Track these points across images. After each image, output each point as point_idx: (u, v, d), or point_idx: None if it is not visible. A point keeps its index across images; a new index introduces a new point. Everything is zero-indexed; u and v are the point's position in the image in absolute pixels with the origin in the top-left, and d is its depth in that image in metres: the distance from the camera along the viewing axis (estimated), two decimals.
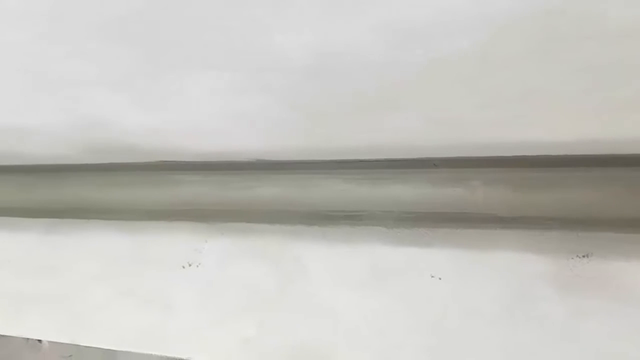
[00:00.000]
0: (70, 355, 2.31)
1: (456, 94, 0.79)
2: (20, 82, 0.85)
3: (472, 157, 1.04)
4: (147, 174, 1.25)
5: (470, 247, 1.10)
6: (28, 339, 2.26)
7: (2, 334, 1.37)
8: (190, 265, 1.27)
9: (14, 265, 1.39)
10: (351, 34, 0.64)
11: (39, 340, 2.28)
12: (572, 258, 1.04)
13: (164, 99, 0.89)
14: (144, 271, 1.29)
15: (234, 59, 0.73)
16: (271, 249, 1.21)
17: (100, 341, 1.30)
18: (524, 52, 0.65)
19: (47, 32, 0.67)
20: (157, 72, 0.79)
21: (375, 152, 1.07)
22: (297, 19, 0.62)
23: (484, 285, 1.08)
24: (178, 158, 1.19)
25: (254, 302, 1.19)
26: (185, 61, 0.75)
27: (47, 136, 1.12)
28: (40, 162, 1.30)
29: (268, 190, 1.19)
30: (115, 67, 0.77)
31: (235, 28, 0.64)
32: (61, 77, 0.82)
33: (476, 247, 1.09)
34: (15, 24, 0.67)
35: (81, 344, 1.31)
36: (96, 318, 1.29)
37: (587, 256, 1.03)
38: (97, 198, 1.30)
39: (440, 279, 1.11)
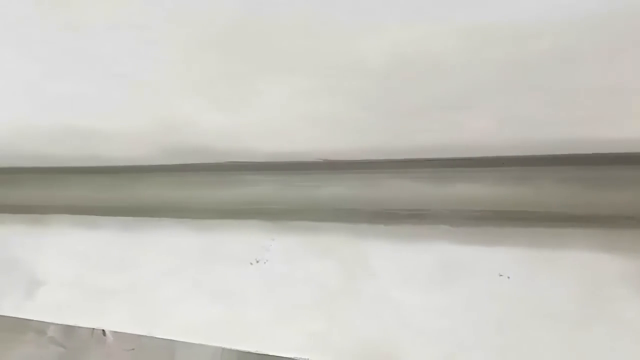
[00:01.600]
0: (132, 349, 2.42)
1: (530, 94, 0.80)
2: (102, 87, 0.91)
3: (542, 155, 1.04)
4: (217, 174, 1.30)
5: (540, 246, 1.09)
6: (93, 332, 2.38)
7: (83, 325, 1.46)
8: (257, 262, 1.32)
9: (92, 260, 1.47)
10: (429, 38, 0.66)
11: (104, 334, 2.39)
12: None
13: (241, 102, 0.93)
14: (214, 267, 1.34)
15: (312, 63, 0.76)
16: (337, 247, 1.24)
17: (173, 333, 1.36)
18: (600, 52, 0.66)
19: (131, 38, 0.72)
20: (236, 76, 0.84)
21: (443, 151, 1.08)
22: (376, 24, 0.64)
23: (554, 285, 1.08)
24: (248, 158, 1.24)
25: (321, 298, 1.23)
26: (264, 65, 0.79)
27: (126, 139, 1.19)
28: (117, 163, 1.37)
29: (334, 190, 1.22)
30: (195, 71, 0.82)
31: (314, 32, 0.68)
32: (142, 81, 0.87)
33: (546, 245, 1.09)
34: (102, 35, 0.72)
35: (156, 336, 1.38)
36: (169, 311, 1.36)
37: None
38: (170, 197, 1.36)
39: (508, 277, 1.11)
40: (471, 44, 0.67)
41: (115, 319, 1.43)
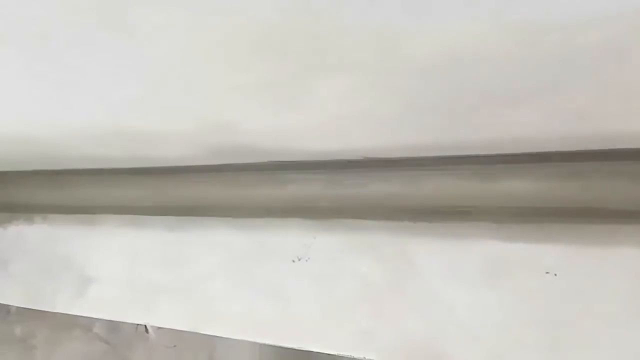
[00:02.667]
0: (174, 345, 2.48)
1: (581, 87, 0.80)
2: (152, 90, 0.95)
3: (590, 149, 1.02)
4: (261, 173, 1.33)
5: (588, 243, 1.08)
6: (136, 329, 2.45)
7: (132, 321, 1.51)
8: (299, 259, 1.34)
9: (141, 259, 1.53)
10: (479, 35, 0.67)
11: (146, 331, 2.46)
12: None
13: (289, 102, 0.95)
14: (259, 265, 1.37)
15: (362, 62, 0.78)
16: (381, 245, 1.25)
17: (219, 330, 1.40)
18: None
19: (182, 42, 0.75)
20: (288, 77, 0.86)
21: (489, 147, 1.08)
22: (427, 21, 0.65)
23: (603, 282, 1.06)
24: (292, 158, 1.26)
25: (365, 295, 1.24)
26: (314, 65, 0.81)
27: (174, 140, 1.23)
28: (165, 164, 1.42)
29: (377, 187, 1.24)
30: (245, 73, 0.85)
31: (367, 32, 0.69)
32: (192, 84, 0.90)
33: (594, 242, 1.08)
34: (155, 40, 0.75)
35: (203, 332, 1.42)
36: (216, 308, 1.40)
37: None
38: (216, 197, 1.40)
39: (555, 275, 1.10)
40: (520, 40, 0.67)
41: (163, 316, 1.48)
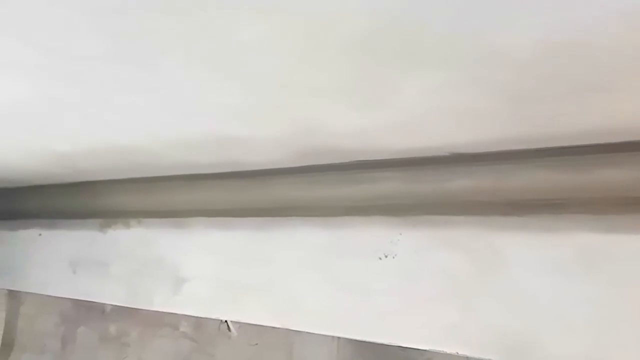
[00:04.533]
0: (256, 344, 2.56)
1: None
2: (248, 97, 0.99)
3: None
4: (346, 172, 1.36)
5: None
6: (219, 327, 2.55)
7: (223, 318, 1.58)
8: (386, 256, 1.36)
9: (230, 258, 1.60)
10: (574, 24, 0.66)
11: (229, 329, 2.56)
12: None
13: (378, 101, 0.97)
14: (344, 262, 1.40)
15: (452, 58, 0.79)
16: (469, 240, 1.25)
17: (306, 325, 1.44)
18: None
19: (280, 49, 0.78)
20: (376, 78, 0.88)
21: (581, 138, 1.05)
22: (516, 14, 0.66)
23: None
24: (376, 156, 1.28)
25: (454, 290, 1.24)
26: (405, 65, 0.82)
27: (262, 144, 1.28)
28: (252, 167, 1.48)
29: (463, 183, 1.23)
30: (336, 75, 0.87)
31: (456, 27, 0.70)
32: (282, 88, 0.94)
33: None
34: (248, 47, 0.79)
35: (290, 328, 1.47)
36: (302, 304, 1.44)
37: None
38: (301, 197, 1.44)
39: None
40: (617, 29, 0.66)
41: (252, 312, 1.54)
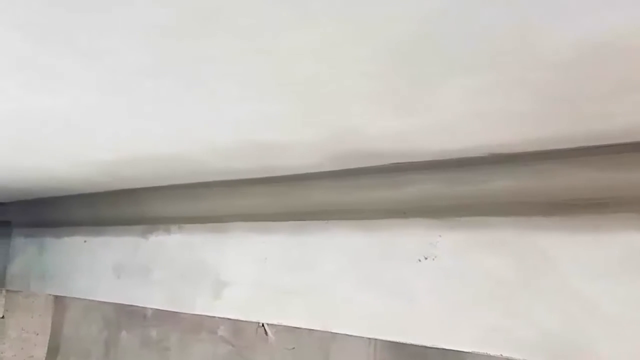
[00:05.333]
0: (293, 348, 2.57)
1: None
2: (280, 103, 1.02)
3: None
4: (382, 175, 1.37)
5: None
6: (257, 331, 2.58)
7: (264, 321, 1.61)
8: (426, 258, 1.36)
9: (272, 261, 1.63)
10: (616, 25, 0.66)
11: (266, 333, 2.58)
12: None
13: (418, 105, 0.98)
14: (383, 265, 1.41)
15: (494, 60, 0.79)
16: (510, 241, 1.24)
17: (346, 328, 1.45)
18: None
19: (311, 56, 0.80)
20: (416, 81, 0.89)
21: (626, 136, 1.04)
22: (560, 16, 0.66)
23: None
24: (413, 158, 1.29)
25: (497, 292, 1.23)
26: (446, 68, 0.83)
27: (299, 149, 1.30)
28: (289, 172, 1.50)
29: (502, 183, 1.23)
30: (377, 80, 0.89)
31: (504, 31, 0.70)
32: (326, 95, 0.96)
33: None
34: (285, 56, 0.81)
35: (332, 331, 1.48)
36: (343, 307, 1.45)
37: None
38: (339, 201, 1.46)
39: None
40: None
41: (293, 315, 1.56)
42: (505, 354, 1.21)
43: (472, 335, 1.25)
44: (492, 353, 1.22)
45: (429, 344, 1.32)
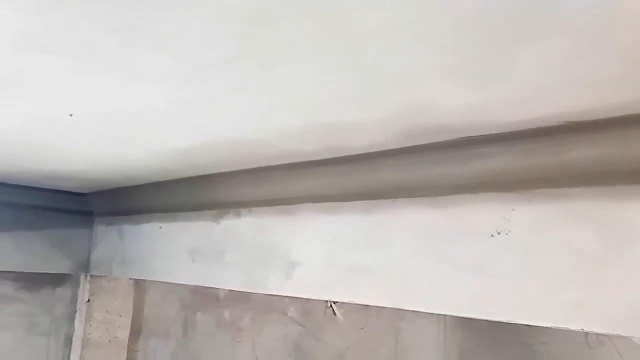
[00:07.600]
0: (362, 328, 2.60)
1: None
2: (350, 82, 1.02)
3: None
4: (452, 150, 1.35)
5: None
6: (325, 312, 2.62)
7: (338, 300, 1.64)
8: (499, 233, 1.33)
9: (342, 241, 1.65)
10: None
11: (334, 314, 2.62)
12: None
13: (492, 76, 0.96)
14: (457, 241, 1.39)
15: (576, 25, 0.76)
16: (591, 212, 1.19)
17: (422, 306, 1.45)
18: None
19: (393, 34, 0.80)
20: (491, 52, 0.86)
21: None
22: None
23: None
24: (485, 132, 1.26)
25: (579, 265, 1.19)
26: (523, 37, 0.80)
27: (368, 128, 1.31)
28: (357, 152, 1.51)
29: (581, 152, 1.18)
30: (450, 53, 0.87)
31: None
32: (396, 70, 0.95)
33: None
34: (363, 38, 0.81)
35: (404, 309, 1.49)
36: (417, 285, 1.45)
37: None
38: (409, 178, 1.45)
39: None
40: None
41: (364, 293, 1.58)
42: (586, 329, 1.18)
43: (553, 311, 1.22)
44: (572, 328, 1.18)
45: (505, 320, 1.29)
